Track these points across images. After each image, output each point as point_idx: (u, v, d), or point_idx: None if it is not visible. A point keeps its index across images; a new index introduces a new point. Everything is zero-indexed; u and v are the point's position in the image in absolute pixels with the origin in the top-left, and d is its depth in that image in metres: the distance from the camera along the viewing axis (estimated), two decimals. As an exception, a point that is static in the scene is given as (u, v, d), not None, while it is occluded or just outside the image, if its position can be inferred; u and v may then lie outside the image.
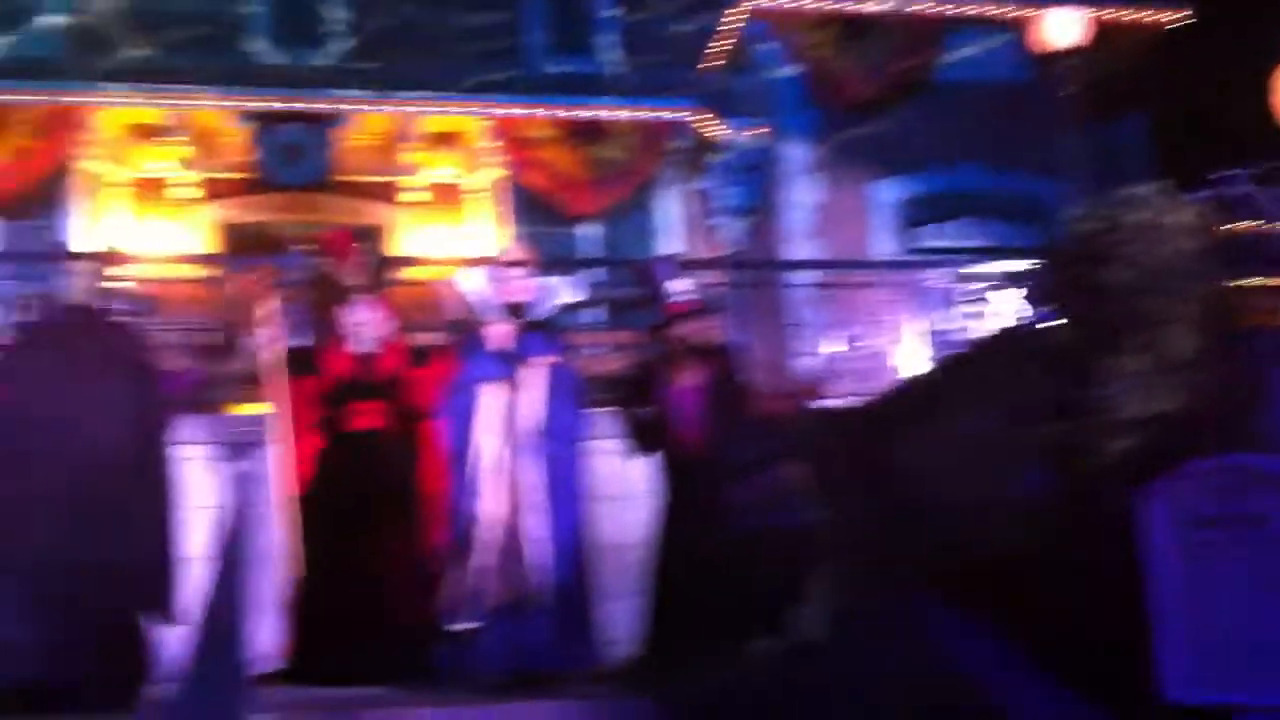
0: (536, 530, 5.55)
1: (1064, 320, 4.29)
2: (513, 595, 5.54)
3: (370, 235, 8.50)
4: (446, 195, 13.48)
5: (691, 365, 6.34)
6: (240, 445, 5.51)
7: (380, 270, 6.64)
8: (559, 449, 5.74)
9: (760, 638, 6.03)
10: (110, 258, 6.29)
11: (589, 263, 12.58)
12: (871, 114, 12.67)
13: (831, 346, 9.11)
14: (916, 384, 5.54)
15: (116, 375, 5.67)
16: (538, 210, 12.98)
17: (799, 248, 12.42)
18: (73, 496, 5.39)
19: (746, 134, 13.30)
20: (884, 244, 12.74)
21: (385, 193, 13.28)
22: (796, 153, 12.88)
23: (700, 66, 13.49)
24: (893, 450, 4.97)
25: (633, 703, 5.14)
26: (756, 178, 13.50)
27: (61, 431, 5.45)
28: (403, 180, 13.16)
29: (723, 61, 13.68)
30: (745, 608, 5.85)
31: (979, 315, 9.31)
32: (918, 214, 12.98)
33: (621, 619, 6.19)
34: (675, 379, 6.31)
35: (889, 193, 12.89)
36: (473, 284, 6.12)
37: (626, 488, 6.72)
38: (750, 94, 13.61)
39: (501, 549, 5.55)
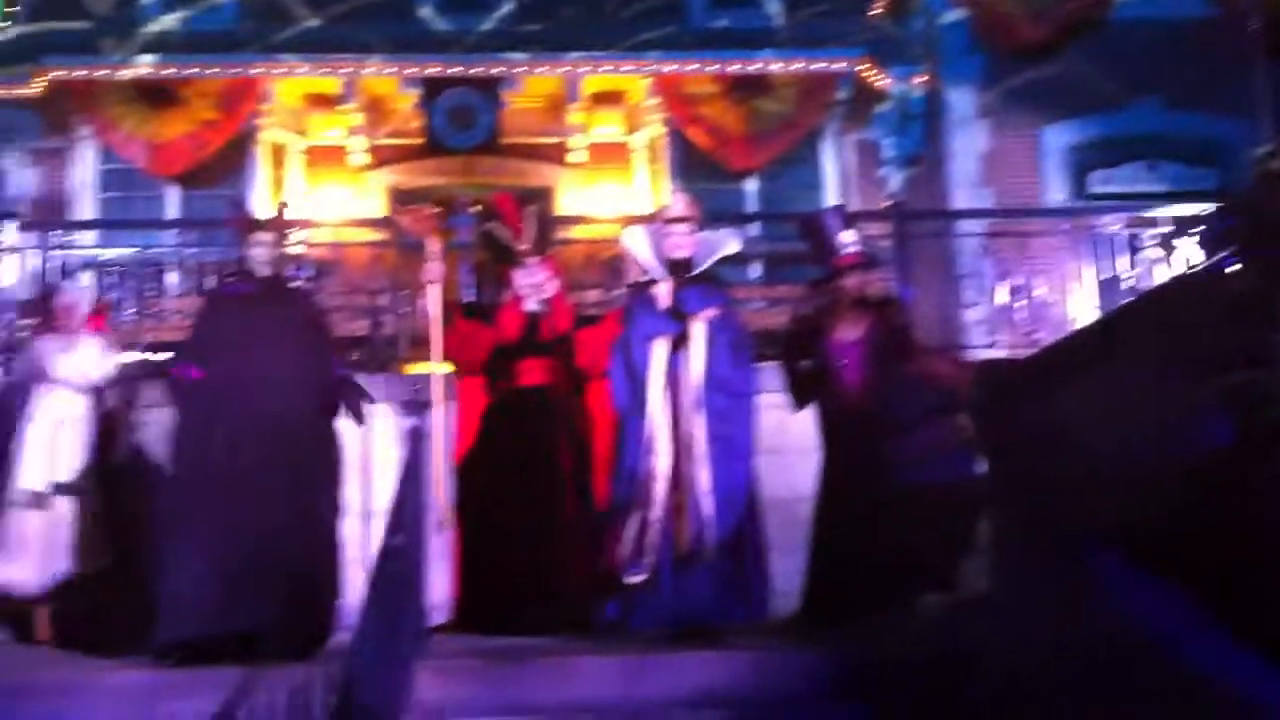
0: (704, 484, 5.59)
1: (1247, 265, 4.14)
2: (680, 549, 5.60)
3: (538, 196, 8.62)
4: (611, 154, 13.56)
5: (855, 318, 6.31)
6: (414, 403, 5.68)
7: (547, 231, 6.74)
8: (726, 403, 5.76)
9: (926, 593, 6.00)
10: (285, 223, 6.51)
11: (753, 217, 12.56)
12: (1041, 56, 12.30)
13: (1000, 298, 8.93)
14: (1087, 335, 5.40)
15: (302, 341, 5.89)
16: (700, 166, 12.97)
17: (966, 197, 12.17)
18: (260, 457, 5.63)
19: (911, 82, 13.06)
20: (1055, 191, 12.39)
21: (552, 154, 13.42)
22: (963, 99, 12.59)
23: (864, 14, 13.28)
24: (1062, 403, 4.88)
25: (798, 657, 5.16)
26: (922, 126, 13.26)
27: (250, 394, 5.70)
28: (569, 141, 13.28)
29: (886, 8, 13.44)
30: (910, 563, 5.83)
31: (1155, 262, 9.03)
32: (1090, 159, 12.59)
33: (787, 573, 6.23)
34: (838, 332, 6.29)
35: (1059, 137, 12.51)
36: (638, 241, 6.17)
37: (789, 442, 6.74)
38: (914, 40, 13.35)
39: (669, 504, 5.62)
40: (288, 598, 5.59)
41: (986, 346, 8.55)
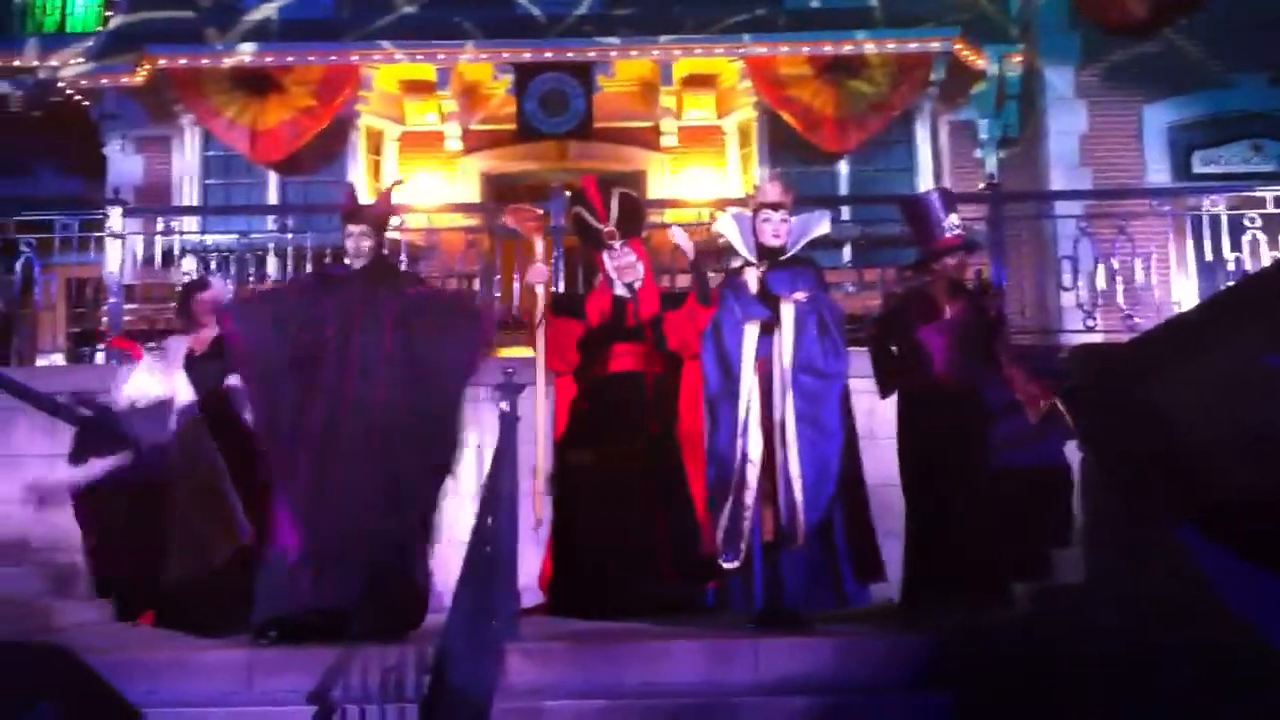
0: (793, 469, 5.58)
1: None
2: (773, 534, 5.60)
3: (630, 181, 8.63)
4: (703, 138, 13.54)
5: (950, 301, 6.25)
6: (508, 387, 5.73)
7: (635, 214, 6.74)
8: (815, 386, 5.73)
9: (1018, 581, 5.94)
10: (389, 209, 6.58)
11: (846, 200, 12.46)
12: (1142, 33, 12.04)
13: (1098, 281, 8.78)
14: (1188, 318, 5.29)
15: (401, 323, 5.95)
16: (791, 148, 12.90)
17: (1064, 178, 11.97)
18: (354, 438, 5.72)
19: (1008, 60, 12.86)
20: (1156, 171, 12.13)
21: (644, 138, 13.45)
22: (1061, 78, 12.37)
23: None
24: (1166, 388, 4.80)
25: (887, 644, 5.14)
26: (1018, 106, 13.06)
27: (345, 375, 5.78)
28: (661, 125, 13.29)
29: (982, -15, 13.25)
30: (1001, 549, 5.77)
31: (1258, 244, 8.82)
32: (1192, 138, 12.30)
33: (884, 557, 6.20)
34: (933, 315, 6.24)
35: (1161, 116, 12.24)
36: (730, 226, 6.16)
37: (879, 427, 6.70)
38: (1011, 18, 13.14)
39: (762, 488, 5.62)
40: (378, 576, 5.67)
41: (1084, 330, 8.41)
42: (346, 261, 6.11)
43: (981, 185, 10.90)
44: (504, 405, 5.76)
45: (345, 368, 5.76)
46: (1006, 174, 12.73)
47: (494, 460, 5.63)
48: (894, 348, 6.30)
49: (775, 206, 6.00)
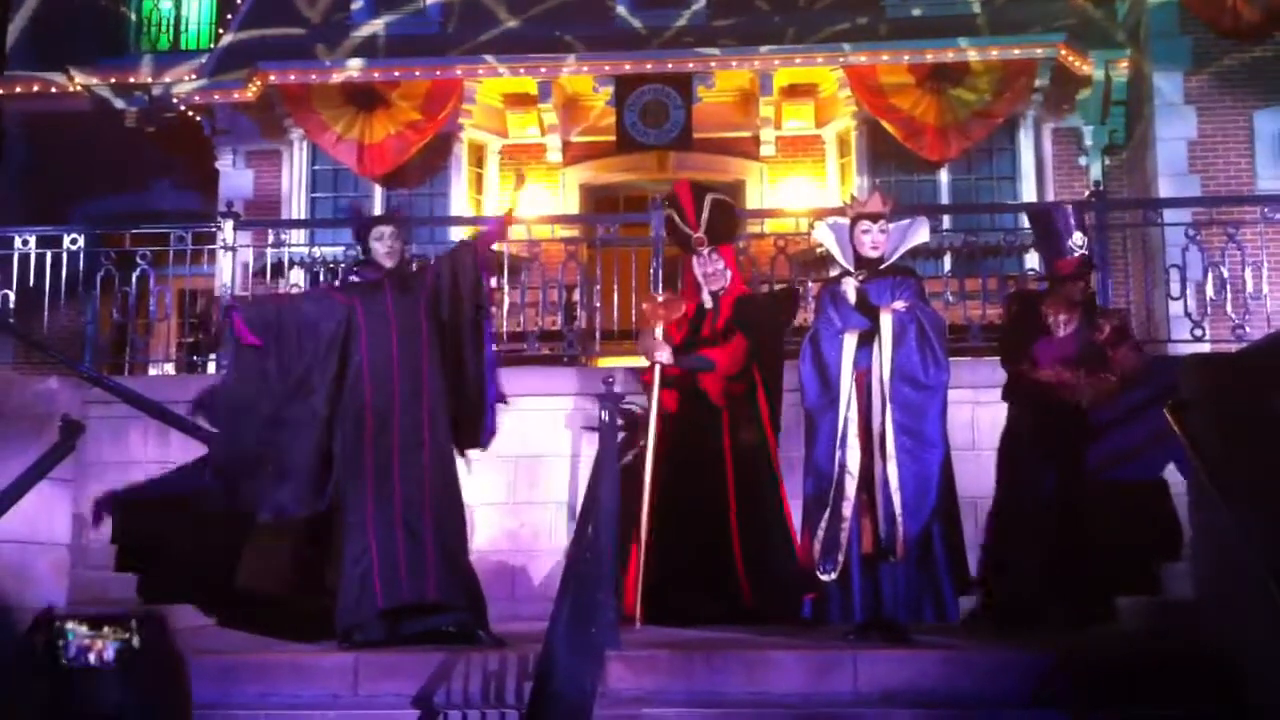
0: (893, 480, 5.55)
1: None
2: (871, 545, 5.57)
3: (729, 190, 8.66)
4: (802, 147, 13.53)
5: (1066, 317, 6.17)
6: (607, 396, 5.77)
7: (727, 220, 6.73)
8: (915, 396, 5.69)
9: (1127, 594, 5.84)
10: (403, 218, 6.65)
11: (951, 209, 12.34)
12: (1255, 37, 11.77)
13: (1207, 290, 8.59)
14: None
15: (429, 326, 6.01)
16: (892, 157, 12.84)
17: (1172, 185, 11.73)
18: (405, 443, 5.78)
19: (1115, 66, 12.65)
20: (1268, 178, 11.82)
21: (743, 148, 13.47)
22: (1169, 83, 12.12)
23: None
24: (1272, 399, 4.70)
25: (990, 658, 5.08)
26: (1125, 112, 12.84)
27: (390, 379, 5.85)
28: (760, 134, 13.29)
29: (1087, -10, 13.06)
30: (1112, 562, 5.68)
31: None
32: (1307, 144, 11.99)
33: (980, 570, 6.14)
34: (1046, 329, 6.16)
35: (1273, 122, 11.95)
36: (828, 236, 6.14)
37: (980, 438, 6.64)
38: (1118, 23, 12.93)
39: (860, 500, 5.60)
40: (444, 576, 5.74)
41: (1192, 340, 8.24)
42: (383, 262, 6.14)
43: (1086, 193, 10.74)
44: (603, 414, 5.79)
45: (390, 368, 5.84)
46: (1112, 181, 12.53)
47: (594, 469, 5.67)
48: (1008, 360, 6.23)
49: (874, 217, 5.97)
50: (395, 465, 5.74)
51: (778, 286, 8.21)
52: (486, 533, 7.17)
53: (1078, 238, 6.11)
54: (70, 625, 3.69)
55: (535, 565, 7.13)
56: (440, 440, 5.88)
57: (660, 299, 6.70)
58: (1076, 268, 6.07)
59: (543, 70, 12.90)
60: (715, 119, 13.20)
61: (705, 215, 6.51)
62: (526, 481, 7.37)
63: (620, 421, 6.08)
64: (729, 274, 6.58)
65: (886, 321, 5.70)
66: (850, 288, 5.91)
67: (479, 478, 6.76)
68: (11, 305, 9.14)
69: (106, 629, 3.67)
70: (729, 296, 6.57)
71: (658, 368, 6.32)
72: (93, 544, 7.19)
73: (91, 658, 3.71)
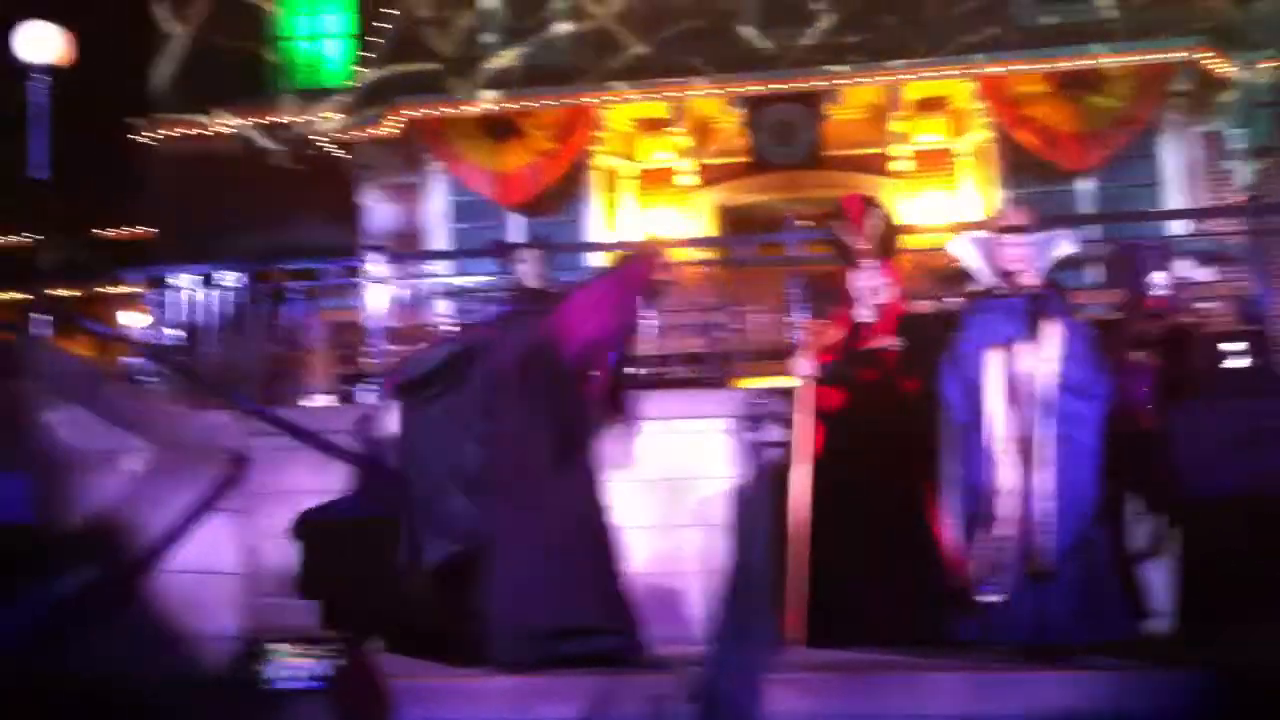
0: (1047, 492, 5.47)
1: None
2: (1034, 564, 5.49)
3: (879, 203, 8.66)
4: (935, 161, 13.41)
5: (1136, 349, 6.06)
6: (755, 418, 5.80)
7: (890, 234, 6.71)
8: (1077, 408, 5.58)
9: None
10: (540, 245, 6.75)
11: (1093, 219, 12.12)
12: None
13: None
14: None
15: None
16: (1029, 168, 12.66)
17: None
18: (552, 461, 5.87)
19: (1257, 67, 12.31)
20: None
21: (874, 164, 13.40)
22: (1317, 84, 11.78)
23: (1203, -1, 12.64)
24: None
25: (1161, 679, 4.98)
26: (1270, 115, 12.48)
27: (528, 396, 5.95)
28: (891, 150, 13.22)
29: (1228, -10, 12.75)
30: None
31: None
32: None
33: (1151, 588, 6.00)
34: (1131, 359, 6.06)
35: None
36: (967, 250, 6.09)
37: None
38: (1260, 23, 12.58)
39: (1021, 517, 5.53)
40: (600, 599, 5.80)
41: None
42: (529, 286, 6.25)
43: (1233, 198, 10.48)
44: (750, 435, 5.83)
45: (518, 394, 5.94)
46: (1264, 185, 12.19)
47: (744, 490, 5.71)
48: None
49: (1016, 230, 5.90)
50: (545, 489, 5.83)
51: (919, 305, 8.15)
52: (639, 555, 7.22)
53: (1159, 275, 6.02)
54: (276, 647, 3.83)
55: (689, 587, 7.15)
56: (589, 463, 5.97)
57: (809, 324, 6.71)
58: (1159, 307, 5.98)
59: (672, 94, 13.01)
60: (846, 135, 13.17)
61: (870, 226, 6.49)
62: (676, 504, 7.41)
63: (768, 441, 6.11)
64: (890, 289, 6.55)
65: (1052, 332, 5.62)
66: (995, 303, 5.85)
67: (628, 500, 6.82)
68: (175, 342, 9.49)
69: (311, 651, 3.80)
70: (891, 312, 6.54)
71: (806, 385, 6.32)
72: (260, 572, 7.42)
73: (296, 680, 3.84)
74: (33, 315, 8.97)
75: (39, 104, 9.25)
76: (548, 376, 5.95)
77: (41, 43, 9.39)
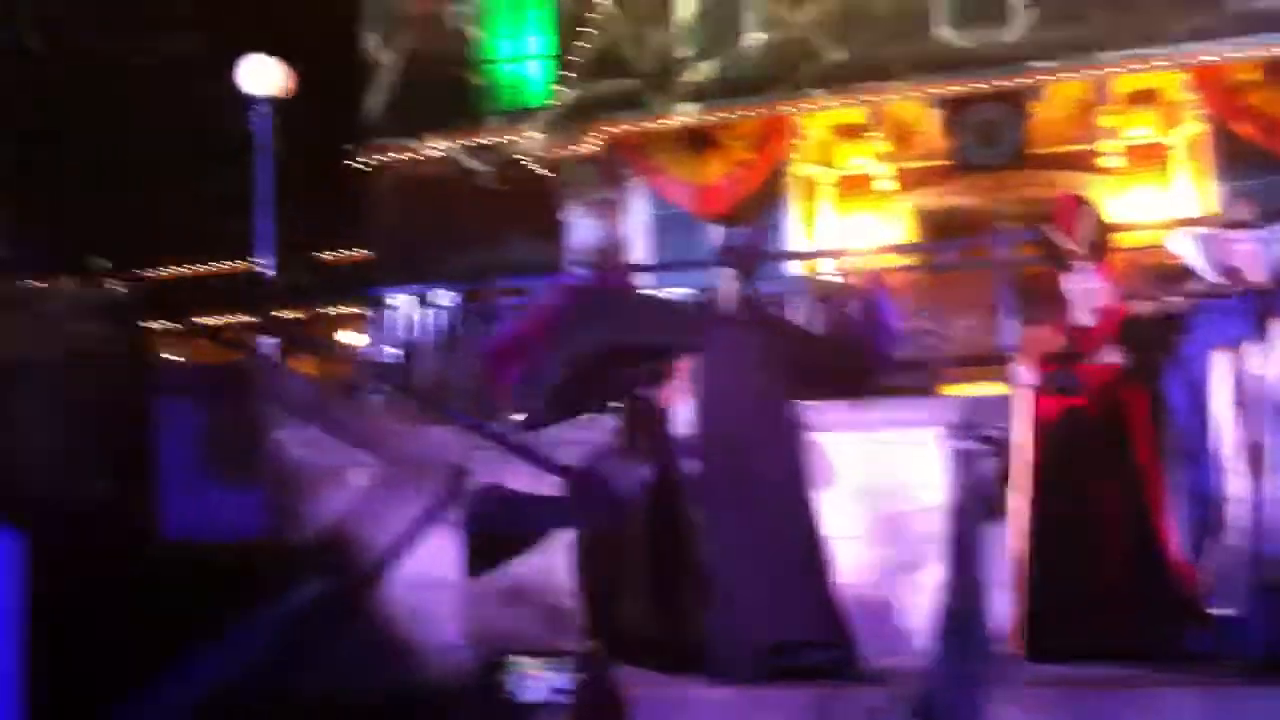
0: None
1: None
2: (1267, 575, 5.29)
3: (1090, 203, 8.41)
4: (1146, 156, 12.97)
5: None
6: (969, 426, 5.73)
7: (1104, 235, 6.54)
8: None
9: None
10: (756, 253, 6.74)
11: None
12: None
13: None
14: None
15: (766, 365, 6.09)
16: (1249, 160, 12.10)
17: None
18: (758, 475, 5.87)
19: None
20: None
21: (1082, 161, 13.02)
22: None
23: None
24: None
25: None
26: None
27: (734, 414, 5.96)
28: (1100, 146, 12.83)
29: None
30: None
31: None
32: None
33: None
34: None
35: None
36: (1188, 248, 5.90)
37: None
38: None
39: (1251, 526, 5.33)
40: (816, 611, 5.78)
41: None
42: (733, 299, 6.27)
43: None
44: (966, 445, 5.76)
45: (746, 402, 5.94)
46: None
47: (959, 500, 5.64)
48: None
49: (1241, 225, 5.69)
50: (762, 501, 5.87)
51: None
52: (851, 567, 7.20)
53: None
54: (518, 660, 3.96)
55: (904, 599, 7.09)
56: (803, 477, 5.99)
57: (1024, 331, 6.60)
58: None
59: (870, 99, 12.89)
60: (1052, 133, 12.82)
61: (1082, 228, 6.35)
62: (888, 514, 7.36)
63: (983, 450, 6.03)
64: (1107, 292, 6.38)
65: (1273, 335, 5.41)
66: (1221, 302, 5.66)
67: (840, 511, 6.81)
68: (394, 360, 9.87)
69: (553, 664, 3.92)
70: (1112, 316, 6.37)
71: (1024, 393, 6.20)
72: (481, 582, 7.66)
73: (538, 693, 3.96)
74: (261, 337, 9.44)
75: (261, 135, 9.72)
76: (765, 389, 6.00)
77: (262, 76, 9.87)
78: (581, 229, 13.89)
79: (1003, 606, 5.96)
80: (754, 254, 6.61)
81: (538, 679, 3.97)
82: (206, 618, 5.71)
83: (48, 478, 5.31)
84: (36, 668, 4.69)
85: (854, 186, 13.51)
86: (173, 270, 18.46)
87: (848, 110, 13.05)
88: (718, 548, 5.93)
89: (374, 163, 15.91)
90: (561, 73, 14.72)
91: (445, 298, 9.81)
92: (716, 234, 13.16)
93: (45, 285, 5.69)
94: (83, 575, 5.07)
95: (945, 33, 13.30)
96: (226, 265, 18.04)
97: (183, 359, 10.79)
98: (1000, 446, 6.49)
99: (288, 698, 5.71)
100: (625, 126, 13.30)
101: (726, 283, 6.26)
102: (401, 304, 9.78)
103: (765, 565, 5.80)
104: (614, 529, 6.88)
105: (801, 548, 5.84)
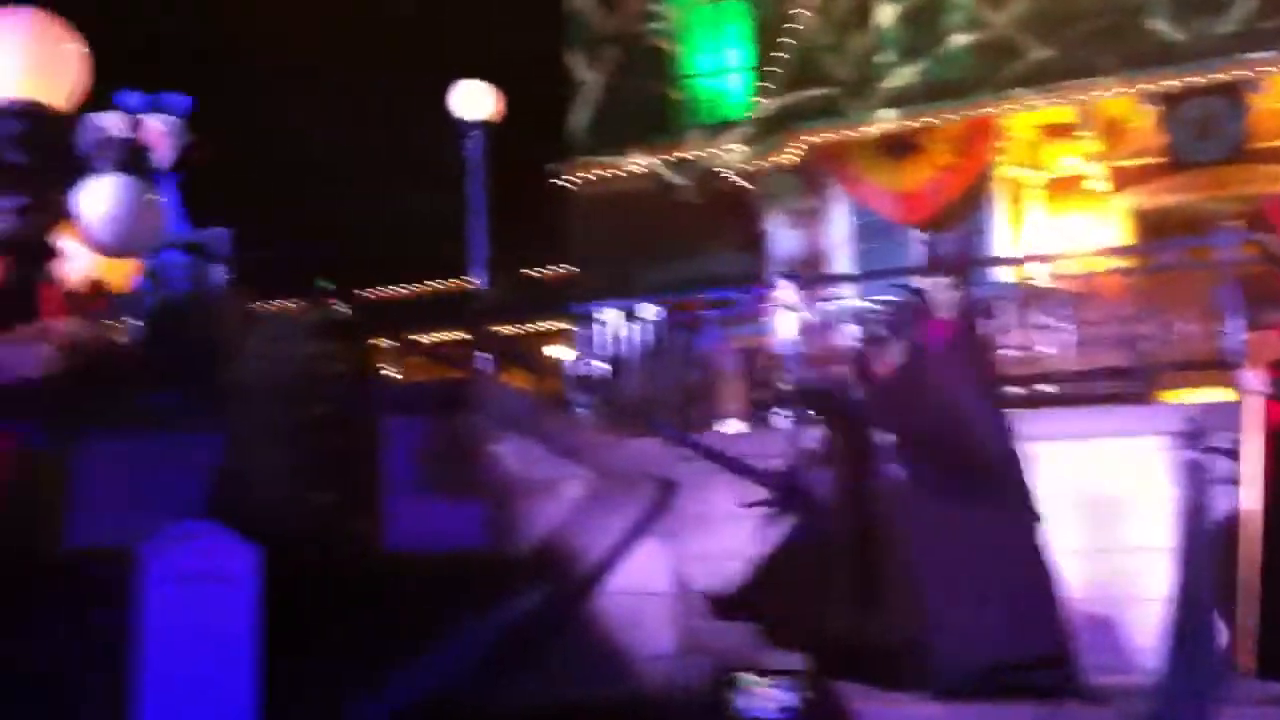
0: None
1: None
2: None
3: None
4: (1382, 148, 12.27)
5: None
6: (1194, 434, 5.52)
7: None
8: None
9: None
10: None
11: None
12: None
13: None
14: None
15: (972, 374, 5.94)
16: None
17: None
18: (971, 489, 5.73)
19: None
20: None
21: (1309, 155, 12.41)
22: None
23: None
24: None
25: None
26: None
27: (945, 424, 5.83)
28: (1330, 137, 12.20)
29: None
30: None
31: None
32: None
33: None
34: None
35: None
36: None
37: None
38: None
39: None
40: (1037, 628, 5.63)
41: None
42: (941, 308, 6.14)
43: None
44: (1189, 453, 5.55)
45: (952, 415, 5.82)
46: None
47: (1185, 512, 5.44)
48: None
49: None
50: (980, 513, 5.76)
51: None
52: (1072, 581, 7.00)
53: None
54: (745, 677, 4.00)
55: (1126, 615, 6.87)
56: (1023, 488, 5.85)
57: (1253, 335, 6.32)
58: None
59: (1079, 97, 12.53)
60: (1272, 127, 12.24)
61: None
62: (1109, 526, 7.13)
63: (1211, 459, 5.79)
64: None
65: None
66: None
67: (1059, 524, 6.64)
68: (601, 374, 10.04)
69: (781, 681, 3.95)
70: None
71: (1254, 400, 5.95)
72: (691, 593, 7.72)
73: (766, 710, 3.99)
74: (477, 353, 9.73)
75: (474, 158, 10.03)
76: (979, 397, 5.90)
77: (474, 101, 10.18)
78: (782, 239, 13.89)
79: (1232, 621, 5.72)
80: (963, 260, 6.49)
81: (765, 696, 3.99)
82: (425, 626, 5.89)
83: (280, 492, 5.56)
84: (269, 673, 4.92)
85: (1064, 188, 13.16)
86: (390, 290, 19.16)
87: (1055, 109, 12.72)
88: (935, 559, 5.84)
89: (578, 180, 16.22)
90: (761, 84, 14.75)
91: (650, 311, 9.92)
92: (920, 241, 13.04)
93: (278, 306, 5.99)
94: (311, 584, 5.30)
95: (1158, 25, 12.86)
96: (441, 284, 18.67)
97: (400, 375, 11.19)
98: (1229, 455, 6.24)
99: (503, 706, 5.85)
100: (826, 135, 13.25)
101: (937, 290, 6.16)
102: (607, 318, 9.94)
103: (986, 579, 5.69)
104: (818, 537, 6.86)
105: (1023, 561, 5.71)
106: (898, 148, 12.96)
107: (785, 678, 3.98)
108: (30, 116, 5.26)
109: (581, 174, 16.13)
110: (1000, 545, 5.76)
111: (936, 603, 5.75)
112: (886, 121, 13.03)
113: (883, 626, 6.19)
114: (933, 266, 6.35)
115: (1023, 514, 5.82)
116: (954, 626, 5.69)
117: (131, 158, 5.34)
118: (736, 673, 4.09)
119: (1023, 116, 12.87)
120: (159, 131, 5.73)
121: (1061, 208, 13.08)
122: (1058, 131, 13.00)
